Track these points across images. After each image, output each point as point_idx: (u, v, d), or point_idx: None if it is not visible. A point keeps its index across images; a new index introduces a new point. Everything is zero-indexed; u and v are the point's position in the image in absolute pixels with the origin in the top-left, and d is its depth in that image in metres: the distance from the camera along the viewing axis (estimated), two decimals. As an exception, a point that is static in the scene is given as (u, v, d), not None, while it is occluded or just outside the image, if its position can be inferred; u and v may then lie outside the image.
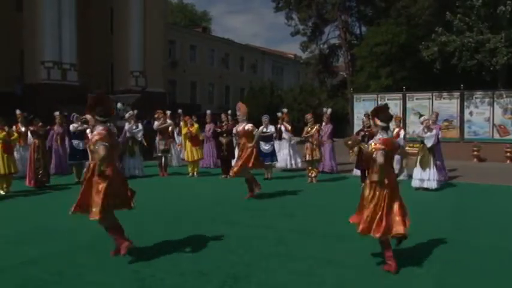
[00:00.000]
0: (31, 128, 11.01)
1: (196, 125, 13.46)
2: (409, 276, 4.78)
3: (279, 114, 14.68)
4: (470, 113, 18.56)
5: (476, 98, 18.56)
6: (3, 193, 9.82)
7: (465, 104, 18.65)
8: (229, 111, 14.01)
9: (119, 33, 24.93)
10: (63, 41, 20.63)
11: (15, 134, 10.42)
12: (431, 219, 7.51)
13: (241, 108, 9.31)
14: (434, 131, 10.33)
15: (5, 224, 7.29)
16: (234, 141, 12.84)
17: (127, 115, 13.10)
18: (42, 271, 4.93)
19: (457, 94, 18.84)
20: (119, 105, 13.89)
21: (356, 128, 16.88)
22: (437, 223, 7.19)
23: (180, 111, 16.13)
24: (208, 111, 14.85)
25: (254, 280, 4.69)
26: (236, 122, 11.52)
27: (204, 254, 5.52)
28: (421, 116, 11.49)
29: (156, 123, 13.39)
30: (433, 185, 10.20)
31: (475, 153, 17.69)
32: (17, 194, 9.95)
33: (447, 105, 18.91)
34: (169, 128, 13.50)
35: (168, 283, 4.63)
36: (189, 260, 5.32)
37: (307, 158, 11.63)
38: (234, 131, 10.61)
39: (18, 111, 11.88)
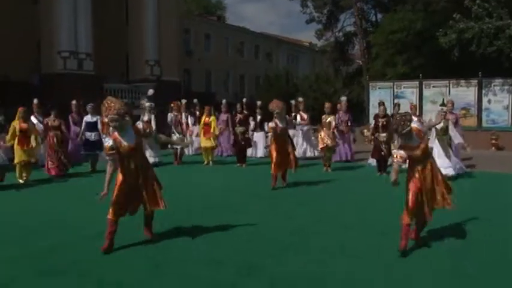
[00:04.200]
0: (45, 121, 11.13)
1: (213, 117, 13.49)
2: (422, 267, 4.74)
3: (293, 102, 14.68)
4: (489, 101, 18.26)
5: (494, 85, 18.24)
6: (22, 182, 9.96)
7: (483, 91, 18.34)
8: (244, 100, 13.99)
9: (134, 22, 25.00)
10: (78, 30, 20.73)
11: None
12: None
13: (279, 105, 9.04)
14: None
15: (24, 214, 7.41)
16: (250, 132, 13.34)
17: (147, 105, 13.08)
18: (56, 261, 4.97)
19: (474, 82, 18.53)
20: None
21: (371, 117, 16.69)
22: (451, 212, 7.08)
23: (195, 101, 16.13)
24: (224, 101, 14.85)
25: (268, 269, 4.70)
26: (250, 114, 11.83)
27: (218, 243, 5.55)
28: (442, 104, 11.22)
29: (169, 115, 13.42)
30: (449, 172, 10.09)
31: (493, 141, 17.41)
32: (35, 183, 10.08)
33: (465, 93, 18.61)
34: (184, 119, 13.54)
35: (182, 271, 4.67)
36: (203, 248, 5.35)
37: (321, 146, 11.61)
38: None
39: (35, 101, 12.14)
